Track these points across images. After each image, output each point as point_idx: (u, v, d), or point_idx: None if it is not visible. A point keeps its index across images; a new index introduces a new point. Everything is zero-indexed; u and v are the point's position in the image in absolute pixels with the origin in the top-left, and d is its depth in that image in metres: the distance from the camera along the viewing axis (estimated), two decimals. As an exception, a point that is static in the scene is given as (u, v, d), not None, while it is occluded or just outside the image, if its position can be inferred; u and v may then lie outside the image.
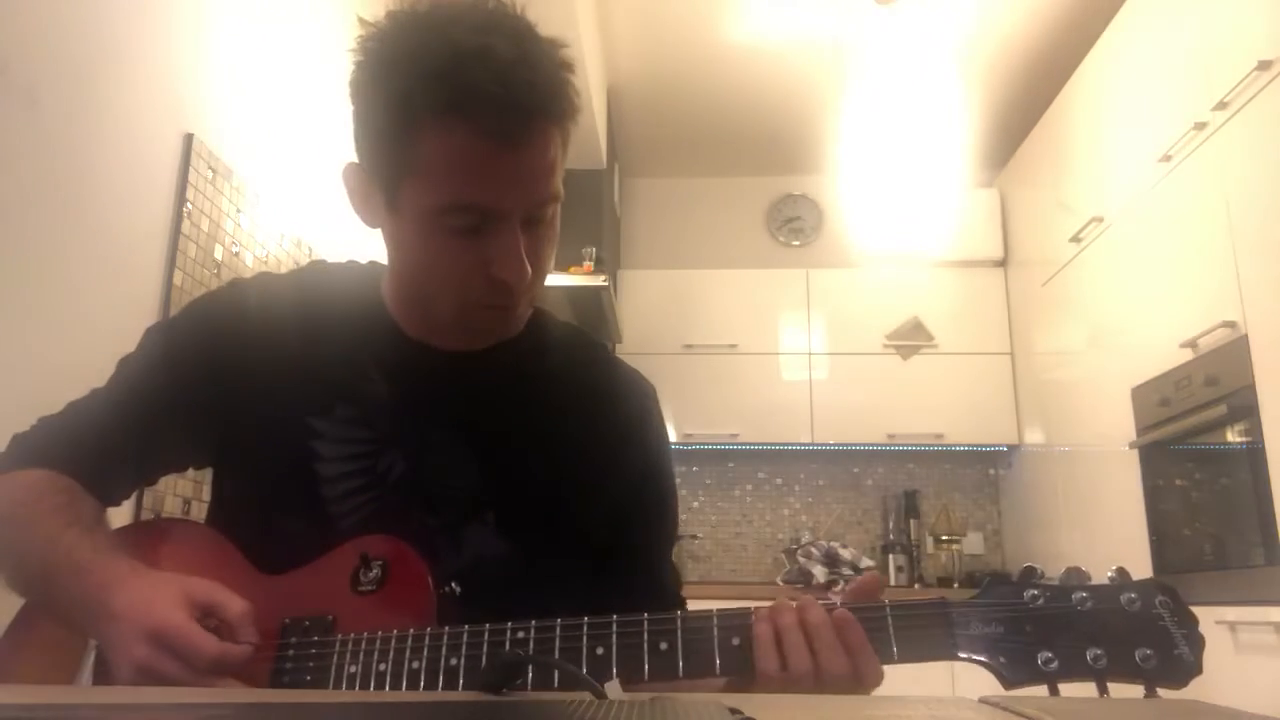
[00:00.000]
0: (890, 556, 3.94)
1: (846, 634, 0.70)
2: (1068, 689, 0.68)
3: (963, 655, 0.68)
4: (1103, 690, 0.67)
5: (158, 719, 0.50)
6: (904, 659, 0.69)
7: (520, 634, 0.72)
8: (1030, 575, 0.70)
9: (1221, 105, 2.31)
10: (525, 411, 0.90)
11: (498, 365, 0.91)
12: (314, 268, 0.99)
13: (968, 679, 3.16)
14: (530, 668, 0.69)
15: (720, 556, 4.20)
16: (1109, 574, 0.69)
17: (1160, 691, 0.66)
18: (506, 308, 0.83)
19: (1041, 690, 0.68)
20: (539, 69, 0.75)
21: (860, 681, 0.69)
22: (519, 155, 0.75)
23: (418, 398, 0.89)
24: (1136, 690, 0.66)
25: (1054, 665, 0.66)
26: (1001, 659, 0.68)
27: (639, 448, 0.94)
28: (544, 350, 0.95)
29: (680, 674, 0.70)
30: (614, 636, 0.71)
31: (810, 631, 0.70)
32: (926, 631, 0.69)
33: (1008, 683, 0.67)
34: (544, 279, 0.85)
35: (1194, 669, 0.65)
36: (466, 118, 0.73)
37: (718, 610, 0.72)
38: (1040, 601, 0.68)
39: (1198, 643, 0.66)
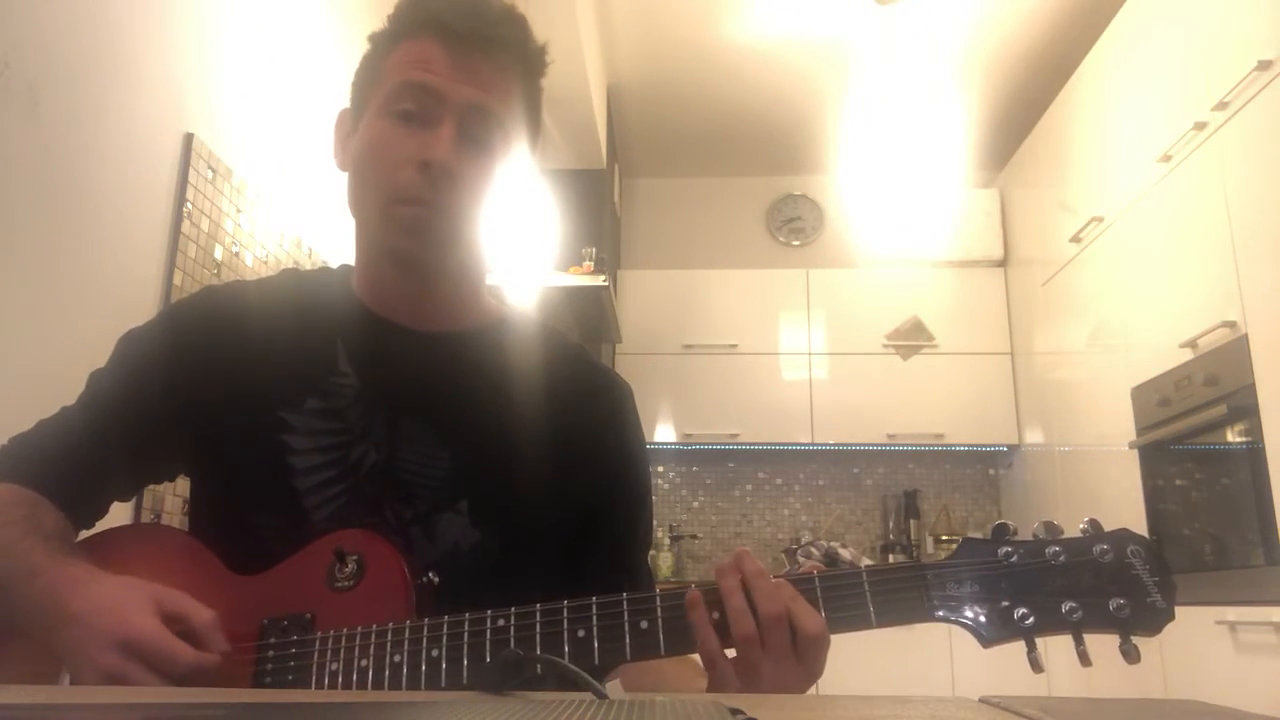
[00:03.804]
0: (890, 556, 3.94)
1: (782, 587, 0.70)
2: (1056, 662, 0.68)
3: (939, 615, 0.69)
4: (1079, 643, 0.67)
5: (159, 719, 0.50)
6: (882, 623, 0.69)
7: (500, 622, 0.72)
8: (1003, 532, 0.70)
9: (1221, 105, 2.31)
10: (498, 401, 0.90)
11: (471, 352, 0.92)
12: (285, 272, 1.01)
13: (968, 678, 3.16)
14: (529, 666, 0.69)
15: (720, 556, 4.19)
16: (1081, 526, 0.69)
17: (1135, 639, 0.66)
18: (426, 204, 0.83)
19: (1019, 645, 0.68)
20: (502, 10, 0.88)
21: (800, 628, 0.68)
22: (467, 54, 0.84)
23: (388, 385, 0.89)
24: (1113, 640, 0.66)
25: (1030, 621, 0.67)
26: (978, 618, 0.68)
27: (614, 443, 0.95)
28: (520, 344, 0.96)
29: (662, 651, 0.70)
30: (594, 618, 0.71)
31: (750, 580, 0.70)
32: (903, 594, 0.69)
33: (985, 641, 0.68)
34: (470, 206, 0.86)
35: (1167, 615, 0.65)
36: (431, 31, 0.85)
37: (696, 583, 0.72)
38: (1014, 558, 0.68)
39: (1171, 590, 0.66)
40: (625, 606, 0.71)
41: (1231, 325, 2.28)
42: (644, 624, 0.71)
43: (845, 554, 3.73)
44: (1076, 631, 0.66)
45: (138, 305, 1.59)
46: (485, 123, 0.85)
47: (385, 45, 0.88)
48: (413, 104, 0.84)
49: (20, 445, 0.90)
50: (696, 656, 0.73)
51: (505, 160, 0.88)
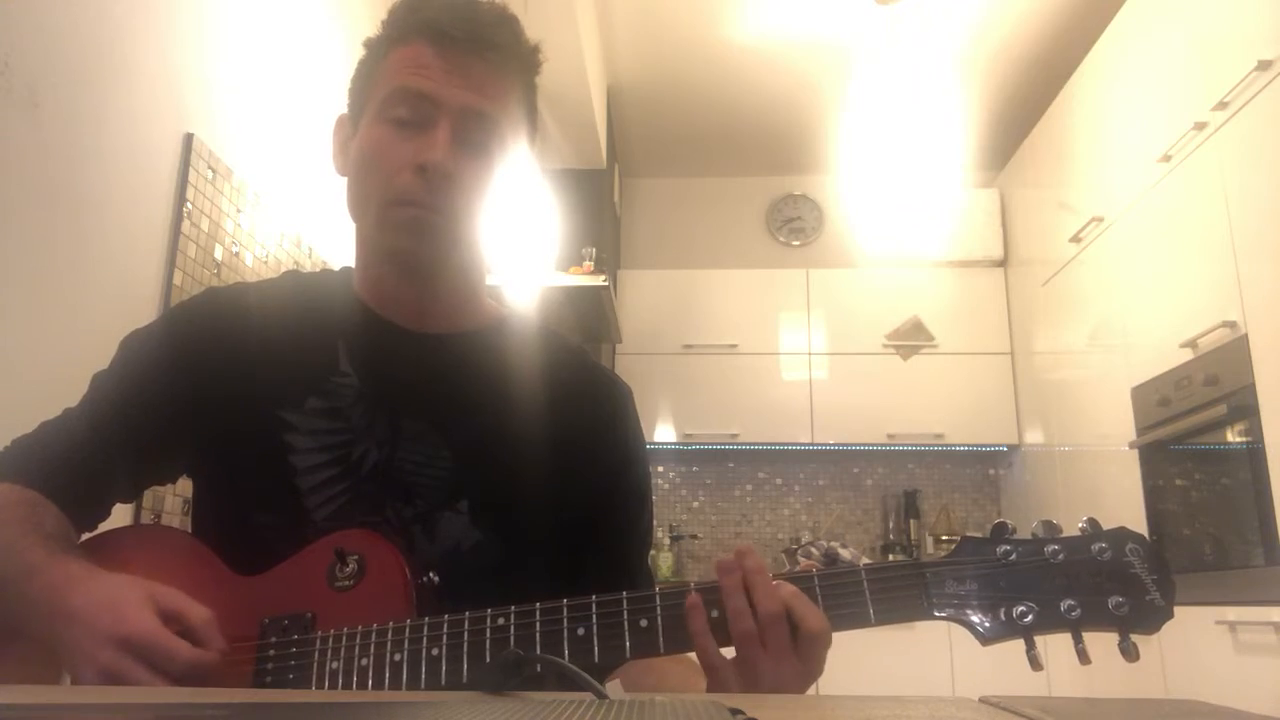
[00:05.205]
0: (890, 557, 3.94)
1: (781, 585, 0.70)
2: (1056, 662, 0.68)
3: (939, 615, 0.69)
4: (1078, 640, 0.67)
5: (160, 719, 0.50)
6: (881, 621, 0.69)
7: (500, 621, 0.72)
8: (1002, 531, 0.70)
9: (1221, 105, 2.31)
10: (499, 401, 0.90)
11: (471, 352, 0.92)
12: (287, 273, 1.02)
13: (967, 678, 3.16)
14: (529, 665, 0.69)
15: (720, 557, 4.19)
16: (1080, 524, 0.70)
17: (1134, 638, 0.66)
18: (422, 206, 0.84)
19: (1018, 644, 0.68)
20: (495, 13, 0.89)
21: (801, 625, 0.68)
22: (460, 57, 0.85)
23: (389, 385, 0.89)
24: (1112, 638, 0.66)
25: (1029, 619, 0.67)
26: (977, 616, 0.68)
27: (614, 444, 0.95)
28: (520, 345, 0.97)
29: (661, 649, 0.71)
30: (594, 617, 0.71)
31: (750, 578, 0.70)
32: (902, 593, 0.70)
33: (984, 639, 0.68)
34: (467, 207, 0.87)
35: (1166, 613, 0.66)
36: (425, 35, 0.86)
37: (695, 583, 0.72)
38: (1013, 557, 0.69)
39: (1169, 588, 0.66)
40: (625, 605, 0.71)
41: (1231, 325, 2.28)
42: (643, 622, 0.71)
43: (845, 554, 3.73)
44: (1075, 629, 0.67)
45: (138, 305, 1.59)
46: (480, 125, 0.86)
47: (380, 50, 0.89)
48: (408, 109, 0.85)
49: (22, 446, 0.90)
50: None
51: (502, 162, 0.88)
